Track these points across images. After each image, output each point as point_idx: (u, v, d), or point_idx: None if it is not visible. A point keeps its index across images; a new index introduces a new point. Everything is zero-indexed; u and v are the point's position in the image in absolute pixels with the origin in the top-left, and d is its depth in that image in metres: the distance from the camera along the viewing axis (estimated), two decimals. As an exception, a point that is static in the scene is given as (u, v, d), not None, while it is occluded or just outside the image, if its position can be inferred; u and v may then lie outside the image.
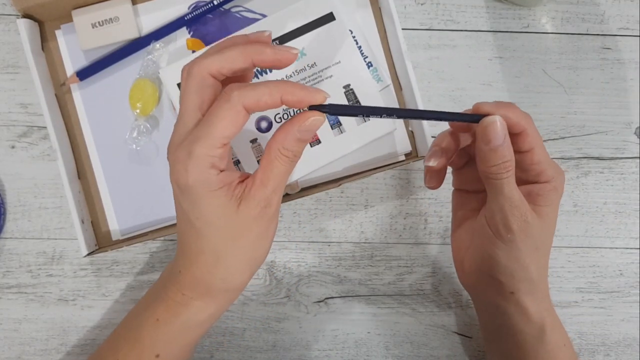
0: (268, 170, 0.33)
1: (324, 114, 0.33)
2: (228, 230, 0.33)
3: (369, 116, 0.34)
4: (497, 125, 0.33)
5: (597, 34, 0.51)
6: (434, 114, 0.34)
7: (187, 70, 0.33)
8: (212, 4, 0.47)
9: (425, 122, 0.46)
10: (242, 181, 0.34)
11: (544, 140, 0.50)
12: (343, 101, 0.46)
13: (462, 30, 0.50)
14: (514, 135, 0.34)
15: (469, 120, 0.34)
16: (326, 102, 0.33)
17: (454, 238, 0.42)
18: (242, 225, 0.33)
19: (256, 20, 0.48)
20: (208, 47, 0.34)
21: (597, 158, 0.51)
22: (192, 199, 0.32)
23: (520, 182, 0.36)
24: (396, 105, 0.49)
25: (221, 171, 0.32)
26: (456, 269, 0.42)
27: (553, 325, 0.40)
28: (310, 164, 0.46)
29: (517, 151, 0.35)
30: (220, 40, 0.35)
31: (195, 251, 0.35)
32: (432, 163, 0.37)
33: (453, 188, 0.42)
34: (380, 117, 0.33)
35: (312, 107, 0.32)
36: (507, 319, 0.40)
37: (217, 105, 0.32)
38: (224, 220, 0.33)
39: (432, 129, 0.49)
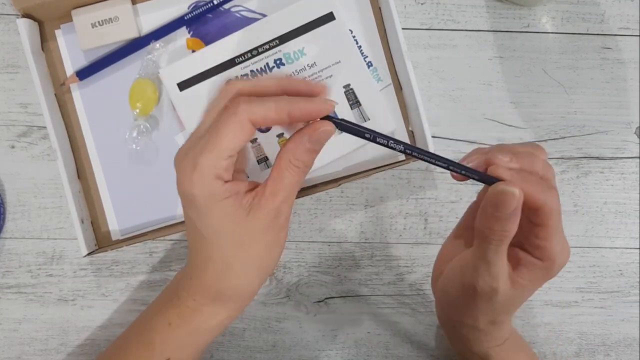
0: (278, 181, 0.33)
1: (334, 125, 0.32)
2: (236, 239, 0.33)
3: (375, 140, 0.33)
4: (513, 199, 0.29)
5: (597, 34, 0.51)
6: (444, 162, 0.31)
7: (234, 106, 0.32)
8: (212, 4, 0.47)
9: (425, 122, 0.46)
10: (251, 190, 0.34)
11: (544, 140, 0.50)
12: (343, 101, 0.46)
13: (462, 30, 0.50)
14: (530, 209, 0.31)
15: (482, 180, 0.31)
16: (335, 113, 0.33)
17: (444, 246, 0.41)
18: (251, 235, 0.33)
19: (256, 20, 0.48)
20: (267, 76, 0.34)
21: (597, 158, 0.51)
22: (198, 209, 0.32)
23: (515, 244, 0.33)
24: (396, 105, 0.49)
25: (227, 182, 0.32)
26: (432, 272, 0.42)
27: (500, 357, 0.40)
28: (310, 164, 0.46)
29: (528, 219, 0.32)
30: (279, 78, 0.34)
31: (204, 259, 0.35)
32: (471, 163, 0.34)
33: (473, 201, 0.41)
34: (387, 144, 0.32)
35: (324, 117, 0.32)
36: (454, 342, 0.41)
37: (224, 117, 0.31)
38: (232, 228, 0.33)
39: (433, 129, 0.49)
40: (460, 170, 0.32)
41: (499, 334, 0.39)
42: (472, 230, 0.37)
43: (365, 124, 0.46)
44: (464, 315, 0.37)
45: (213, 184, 0.32)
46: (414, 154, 0.32)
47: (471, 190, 0.50)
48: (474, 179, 0.31)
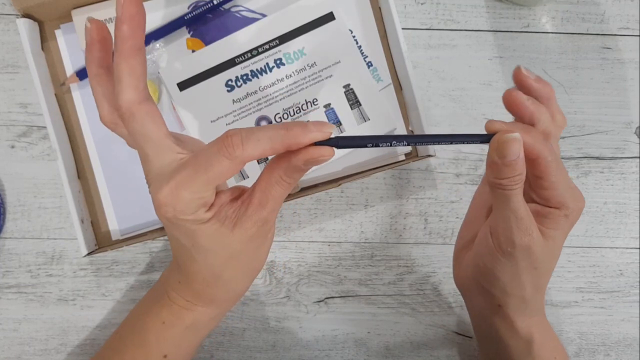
0: (267, 193, 0.32)
1: (333, 148, 0.31)
2: (225, 252, 0.33)
3: (377, 145, 0.33)
4: (515, 143, 0.31)
5: (597, 34, 0.51)
6: (445, 138, 0.32)
7: (228, 150, 0.30)
8: (211, 4, 0.47)
9: (425, 122, 0.46)
10: (235, 198, 0.33)
11: (544, 140, 0.50)
12: (343, 101, 0.46)
13: (462, 30, 0.50)
14: (528, 160, 0.33)
15: (483, 141, 0.33)
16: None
17: (460, 234, 0.41)
18: (239, 245, 0.33)
19: (256, 20, 0.48)
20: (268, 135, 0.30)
21: (597, 158, 0.51)
22: (183, 232, 0.32)
23: (530, 200, 0.35)
24: (396, 105, 0.49)
25: (211, 204, 0.31)
26: (453, 266, 0.42)
27: (542, 340, 0.39)
28: (310, 164, 0.46)
29: (530, 173, 0.33)
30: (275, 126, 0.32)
31: (192, 271, 0.35)
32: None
33: (480, 182, 0.41)
34: (390, 145, 0.32)
35: (319, 142, 0.31)
36: (494, 329, 0.40)
37: (216, 158, 0.29)
38: (219, 244, 0.32)
39: (433, 129, 0.49)
40: (464, 141, 0.33)
41: (541, 305, 0.39)
42: (482, 208, 0.39)
43: (365, 124, 0.47)
44: (508, 285, 0.36)
45: (198, 211, 0.31)
46: (417, 144, 0.33)
47: (471, 190, 0.50)
48: (477, 143, 0.33)
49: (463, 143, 0.33)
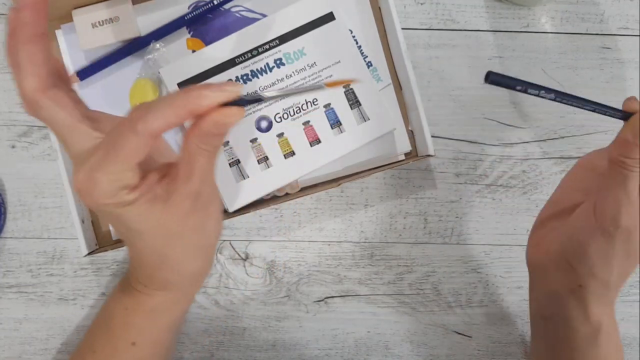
0: (191, 165, 0.30)
1: (243, 107, 0.29)
2: (161, 230, 0.32)
3: (527, 92, 0.33)
4: None
5: (597, 34, 0.51)
6: (587, 103, 0.34)
7: (131, 125, 0.28)
8: (212, 4, 0.47)
9: (425, 122, 0.46)
10: (164, 176, 0.31)
11: (544, 140, 0.50)
12: (343, 101, 0.47)
13: (461, 30, 0.50)
14: None
15: (621, 118, 0.34)
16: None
17: (546, 211, 0.40)
18: (175, 223, 0.31)
19: (256, 20, 0.48)
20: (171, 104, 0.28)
21: (597, 158, 0.51)
22: (111, 217, 0.31)
23: None
24: (396, 105, 0.49)
25: (134, 186, 0.30)
26: (529, 243, 0.41)
27: (610, 330, 0.39)
28: (310, 164, 0.47)
29: None
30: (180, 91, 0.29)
31: (138, 254, 0.34)
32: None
33: (584, 157, 0.41)
34: (538, 95, 0.33)
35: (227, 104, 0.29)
36: (564, 311, 0.39)
37: (122, 135, 0.28)
38: (153, 223, 0.31)
39: (432, 129, 0.49)
40: (603, 111, 0.34)
41: (616, 296, 0.38)
42: (579, 187, 0.39)
43: (365, 124, 0.47)
44: (597, 266, 0.36)
45: (118, 195, 0.29)
46: (563, 101, 0.34)
47: (471, 190, 0.50)
48: (616, 117, 0.34)
49: (602, 113, 0.35)
